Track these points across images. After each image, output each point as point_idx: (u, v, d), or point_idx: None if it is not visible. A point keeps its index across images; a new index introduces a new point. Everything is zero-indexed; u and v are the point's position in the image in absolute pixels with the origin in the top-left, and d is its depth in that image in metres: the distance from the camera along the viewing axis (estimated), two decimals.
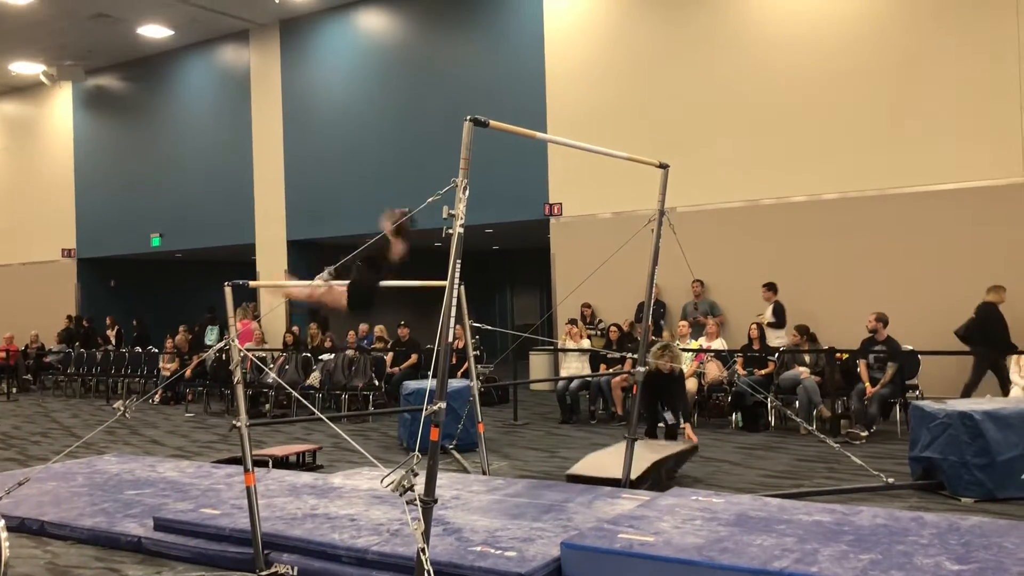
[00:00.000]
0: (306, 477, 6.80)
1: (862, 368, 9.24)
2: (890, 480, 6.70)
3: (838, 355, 9.53)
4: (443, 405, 4.23)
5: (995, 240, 10.69)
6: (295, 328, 14.67)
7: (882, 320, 9.30)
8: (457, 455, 8.22)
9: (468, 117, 4.43)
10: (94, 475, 7.34)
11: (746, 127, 12.30)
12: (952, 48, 10.99)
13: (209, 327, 16.47)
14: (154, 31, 17.37)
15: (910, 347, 9.56)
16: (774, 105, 12.11)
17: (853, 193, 11.58)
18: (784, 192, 12.06)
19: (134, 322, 18.75)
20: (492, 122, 4.58)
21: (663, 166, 6.45)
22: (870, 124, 11.46)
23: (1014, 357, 9.04)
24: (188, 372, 13.19)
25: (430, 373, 4.27)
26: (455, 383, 8.42)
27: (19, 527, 5.89)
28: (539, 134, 5.44)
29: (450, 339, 4.28)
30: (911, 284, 11.07)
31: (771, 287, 11.57)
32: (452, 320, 4.27)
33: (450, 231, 4.30)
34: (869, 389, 9.00)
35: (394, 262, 5.62)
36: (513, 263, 22.56)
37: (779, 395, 9.74)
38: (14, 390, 16.51)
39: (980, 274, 10.68)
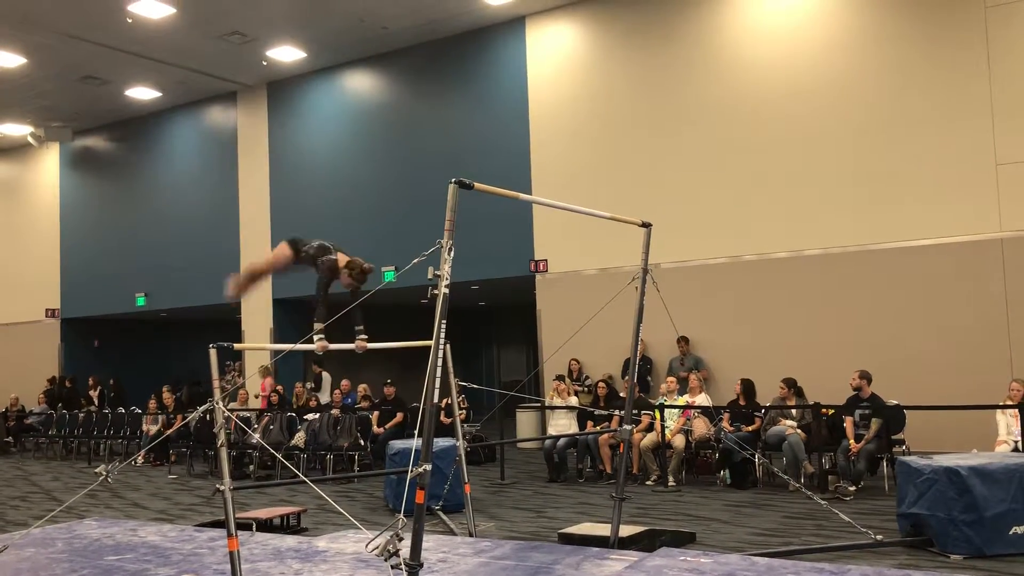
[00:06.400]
0: (290, 540, 6.70)
1: (848, 425, 9.25)
2: (878, 537, 6.66)
3: (824, 410, 9.54)
4: (428, 467, 4.21)
5: (973, 294, 10.82)
6: (279, 388, 14.58)
7: (865, 377, 9.34)
8: (443, 516, 8.13)
9: (453, 180, 4.49)
10: (74, 540, 7.20)
11: (729, 185, 12.48)
12: (929, 107, 11.24)
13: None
14: (142, 93, 17.56)
15: (895, 401, 9.58)
16: (757, 163, 12.31)
17: (835, 249, 11.72)
18: (767, 248, 12.20)
19: (111, 381, 18.60)
20: (476, 184, 4.65)
21: (645, 225, 6.53)
22: (850, 181, 11.65)
23: (1000, 412, 9.06)
24: (172, 432, 13.03)
25: (416, 432, 4.25)
26: (441, 442, 8.38)
27: None
28: (523, 195, 5.51)
29: (436, 400, 4.27)
30: (893, 338, 11.15)
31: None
32: (438, 381, 4.27)
33: (435, 291, 4.33)
34: (854, 446, 9.00)
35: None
36: (499, 320, 22.59)
37: (766, 451, 9.72)
38: None
39: (960, 328, 10.80)
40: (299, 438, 12.19)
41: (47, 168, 20.82)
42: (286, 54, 15.69)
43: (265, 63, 16.04)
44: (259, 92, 17.35)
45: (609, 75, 13.63)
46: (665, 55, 13.12)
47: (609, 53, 13.64)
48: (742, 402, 10.30)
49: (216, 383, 5.17)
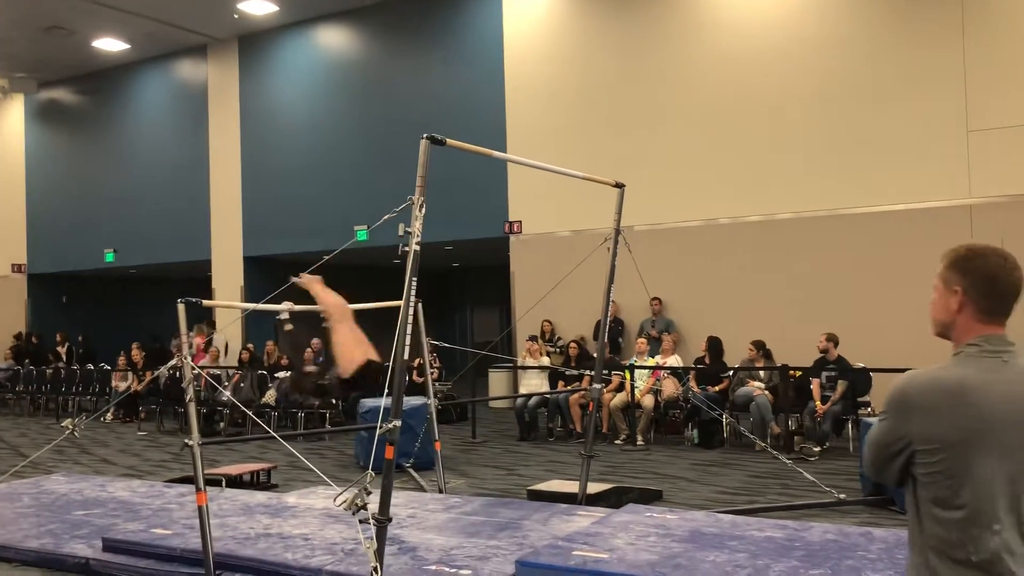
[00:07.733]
0: (260, 496, 6.72)
1: (815, 387, 9.39)
2: (841, 496, 6.80)
3: (791, 372, 9.67)
4: (398, 423, 4.22)
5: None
6: (250, 345, 14.51)
7: (832, 340, 9.46)
8: (414, 473, 8.18)
9: (425, 136, 4.45)
10: (41, 495, 7.17)
11: (702, 148, 12.47)
12: (902, 74, 11.26)
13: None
14: (109, 44, 17.15)
15: (862, 364, 9.72)
16: (730, 127, 12.30)
17: (807, 213, 11.78)
18: (739, 212, 12.24)
19: (79, 338, 18.42)
20: (448, 140, 4.61)
21: (619, 185, 6.52)
22: (823, 146, 11.69)
23: None
24: (141, 389, 12.97)
25: (384, 390, 4.26)
26: (413, 400, 8.40)
27: None
28: (496, 153, 5.48)
29: (406, 357, 4.27)
30: (862, 302, 11.27)
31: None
32: (408, 338, 4.27)
33: (406, 248, 4.31)
34: (820, 408, 9.15)
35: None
36: (473, 281, 22.57)
37: (733, 412, 9.85)
38: None
39: (927, 292, 10.91)
40: (270, 396, 12.19)
41: (11, 120, 20.35)
42: (258, 7, 15.37)
43: (236, 16, 15.71)
44: (230, 46, 17.02)
45: (586, 35, 13.51)
46: (642, 16, 13.02)
47: (586, 12, 13.51)
48: (707, 360, 10.41)
49: (184, 339, 5.13)
